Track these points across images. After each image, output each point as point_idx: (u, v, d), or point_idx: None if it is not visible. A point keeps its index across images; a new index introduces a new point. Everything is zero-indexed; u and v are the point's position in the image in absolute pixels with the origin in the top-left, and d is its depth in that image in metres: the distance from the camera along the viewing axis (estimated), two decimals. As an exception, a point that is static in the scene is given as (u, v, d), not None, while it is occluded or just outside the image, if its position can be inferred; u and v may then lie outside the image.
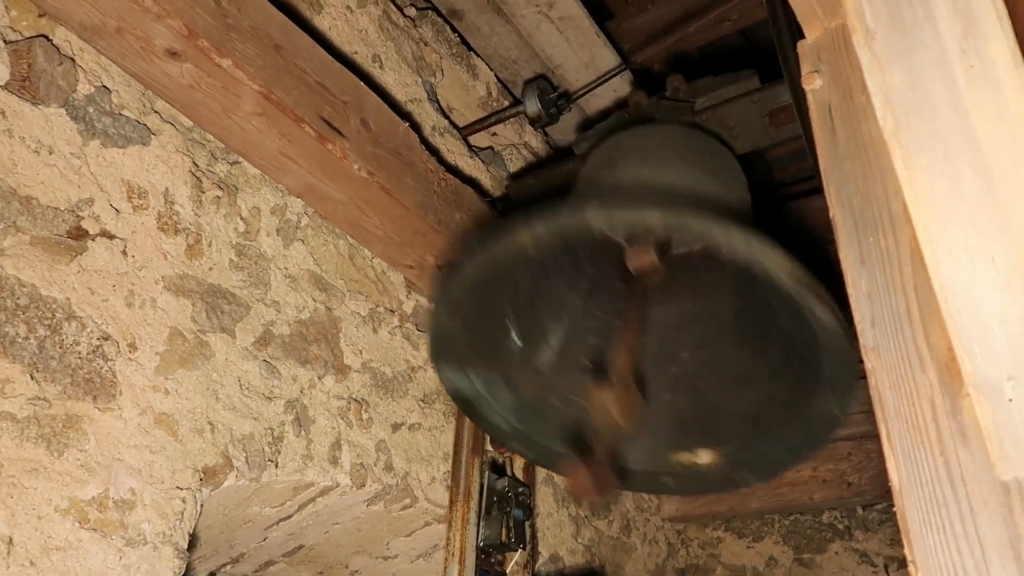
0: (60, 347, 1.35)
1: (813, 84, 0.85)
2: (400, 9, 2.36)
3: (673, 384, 1.77)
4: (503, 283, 1.67)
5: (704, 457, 1.67)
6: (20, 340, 1.30)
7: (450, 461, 2.11)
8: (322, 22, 2.08)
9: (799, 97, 1.38)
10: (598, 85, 2.47)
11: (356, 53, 2.15)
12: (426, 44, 2.42)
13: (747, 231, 1.21)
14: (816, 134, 0.82)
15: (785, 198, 2.65)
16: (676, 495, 1.65)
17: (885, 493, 2.81)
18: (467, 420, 1.87)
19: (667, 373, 1.77)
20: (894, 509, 0.65)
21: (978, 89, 0.61)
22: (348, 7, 2.18)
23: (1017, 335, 0.59)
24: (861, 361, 0.76)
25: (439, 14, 2.50)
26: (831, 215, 0.78)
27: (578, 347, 1.83)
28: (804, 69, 0.87)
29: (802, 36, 0.91)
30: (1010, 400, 0.58)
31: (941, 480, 0.61)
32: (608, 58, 2.49)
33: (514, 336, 1.80)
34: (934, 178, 0.62)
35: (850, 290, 0.72)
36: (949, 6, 0.61)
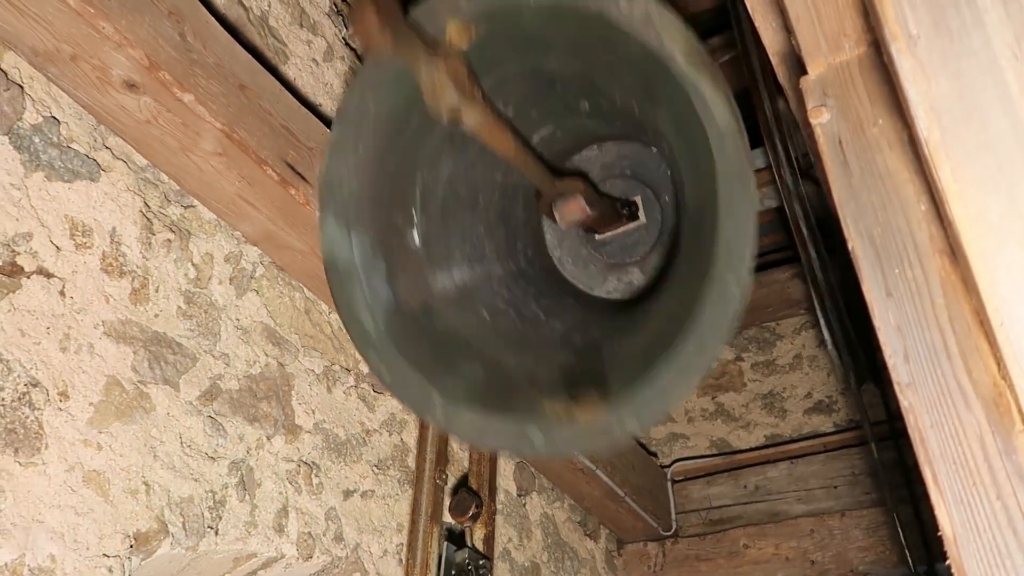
0: (-19, 393, 1.22)
1: (820, 118, 0.82)
2: (367, 65, 2.33)
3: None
4: (418, 150, 1.40)
5: (584, 409, 1.25)
6: (-65, 383, 1.16)
7: (404, 532, 1.97)
8: (287, 72, 2.03)
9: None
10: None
11: (321, 106, 2.10)
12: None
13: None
14: (827, 166, 0.79)
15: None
16: (541, 457, 1.28)
17: (848, 572, 2.73)
18: (424, 486, 1.74)
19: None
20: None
21: (1034, 97, 0.58)
22: (314, 60, 2.14)
23: (1083, 364, 0.54)
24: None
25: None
26: (849, 247, 0.73)
27: (484, 295, 1.57)
28: (809, 104, 0.85)
29: (803, 72, 0.89)
30: (1076, 436, 0.53)
31: (1001, 527, 0.55)
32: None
33: (415, 232, 1.49)
34: (987, 193, 0.57)
35: (878, 323, 0.67)
36: (1000, 10, 0.59)
